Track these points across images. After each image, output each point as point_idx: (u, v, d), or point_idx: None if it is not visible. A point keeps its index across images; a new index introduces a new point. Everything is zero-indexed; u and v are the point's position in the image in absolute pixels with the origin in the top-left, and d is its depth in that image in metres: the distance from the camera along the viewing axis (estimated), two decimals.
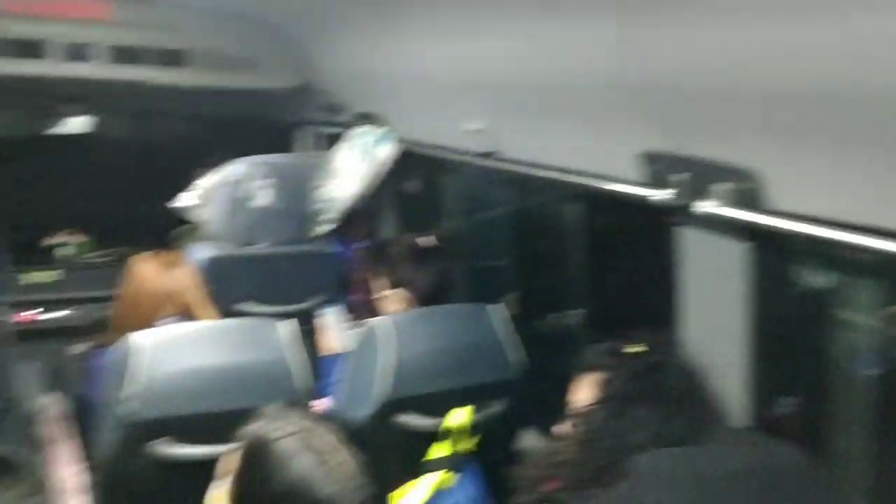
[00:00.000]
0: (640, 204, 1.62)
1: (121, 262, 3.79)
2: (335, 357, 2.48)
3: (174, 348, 1.75)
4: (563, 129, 1.89)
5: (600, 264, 2.24)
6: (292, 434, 1.18)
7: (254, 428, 1.24)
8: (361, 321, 2.61)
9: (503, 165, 2.13)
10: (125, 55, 2.88)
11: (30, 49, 2.75)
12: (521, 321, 2.13)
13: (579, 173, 1.82)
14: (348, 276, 3.11)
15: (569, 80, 1.76)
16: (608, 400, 1.50)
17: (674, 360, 1.56)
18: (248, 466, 1.19)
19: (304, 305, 2.78)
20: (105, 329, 3.46)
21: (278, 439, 1.17)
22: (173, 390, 1.69)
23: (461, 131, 2.23)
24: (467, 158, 2.31)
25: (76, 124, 3.70)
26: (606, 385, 1.52)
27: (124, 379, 1.68)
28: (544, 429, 2.15)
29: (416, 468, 1.85)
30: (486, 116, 2.15)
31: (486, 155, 2.18)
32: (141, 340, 1.72)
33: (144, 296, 2.18)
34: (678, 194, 1.52)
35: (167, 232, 3.58)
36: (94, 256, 3.82)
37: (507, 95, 2.07)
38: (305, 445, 1.16)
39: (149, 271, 2.21)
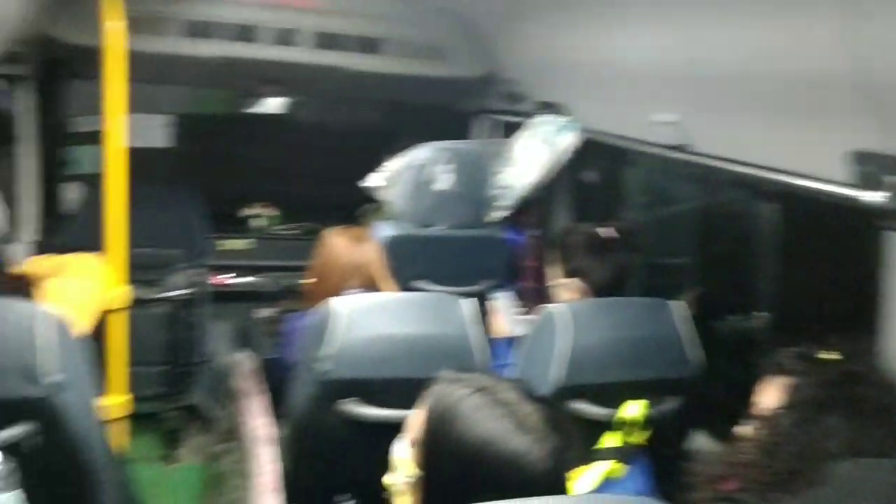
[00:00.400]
0: (845, 205, 1.55)
1: (306, 235, 4.08)
2: (504, 340, 2.53)
3: (368, 316, 1.86)
4: (764, 125, 1.83)
5: (793, 267, 2.15)
6: (478, 390, 1.18)
7: (439, 387, 1.23)
8: (532, 307, 2.66)
9: (695, 159, 2.09)
10: (327, 41, 3.07)
11: (244, 33, 3.00)
12: (701, 320, 2.08)
13: (780, 171, 1.75)
14: (519, 263, 3.16)
15: (774, 73, 1.71)
16: (797, 405, 1.46)
17: (873, 370, 1.48)
18: (436, 424, 1.20)
19: (475, 288, 2.86)
20: (289, 296, 3.72)
21: (466, 396, 1.18)
22: (365, 354, 1.81)
23: (649, 122, 2.20)
24: (655, 150, 2.28)
25: (274, 105, 3.98)
26: (796, 390, 1.48)
27: (322, 340, 1.81)
28: (717, 430, 2.10)
29: (586, 455, 1.86)
30: (677, 108, 2.12)
31: (676, 148, 2.15)
32: (339, 306, 1.84)
33: (334, 267, 2.32)
34: (893, 197, 1.44)
35: (351, 210, 3.80)
36: (283, 229, 4.10)
37: (701, 87, 2.02)
38: (492, 400, 1.17)
39: (339, 245, 2.35)
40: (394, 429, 1.37)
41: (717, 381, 2.07)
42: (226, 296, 3.73)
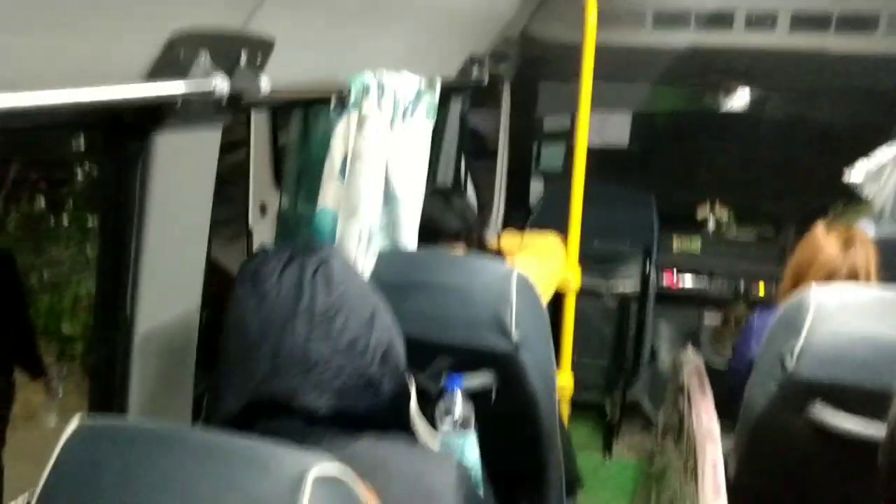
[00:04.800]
0: None
1: (762, 240, 3.80)
2: None
3: (854, 312, 1.59)
4: None
5: None
6: None
7: None
8: None
9: None
10: (809, 23, 2.78)
11: (714, 20, 2.86)
12: None
13: None
14: None
15: None
16: None
17: None
18: None
19: None
20: (739, 302, 3.49)
21: None
22: (845, 355, 1.55)
23: None
24: None
25: (737, 100, 3.77)
26: None
27: (793, 334, 1.60)
28: None
29: None
30: None
31: None
32: (820, 296, 1.62)
33: (820, 267, 2.05)
34: None
35: (815, 212, 3.41)
36: (737, 231, 3.87)
37: None
38: None
39: (830, 244, 2.08)
40: (867, 447, 1.15)
41: None
42: (673, 296, 3.65)
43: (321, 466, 0.80)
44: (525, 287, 1.66)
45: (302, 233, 1.81)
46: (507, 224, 3.64)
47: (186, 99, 1.06)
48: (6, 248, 2.81)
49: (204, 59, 1.09)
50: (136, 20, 0.96)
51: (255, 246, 2.46)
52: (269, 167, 2.47)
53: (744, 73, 3.23)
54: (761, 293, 3.49)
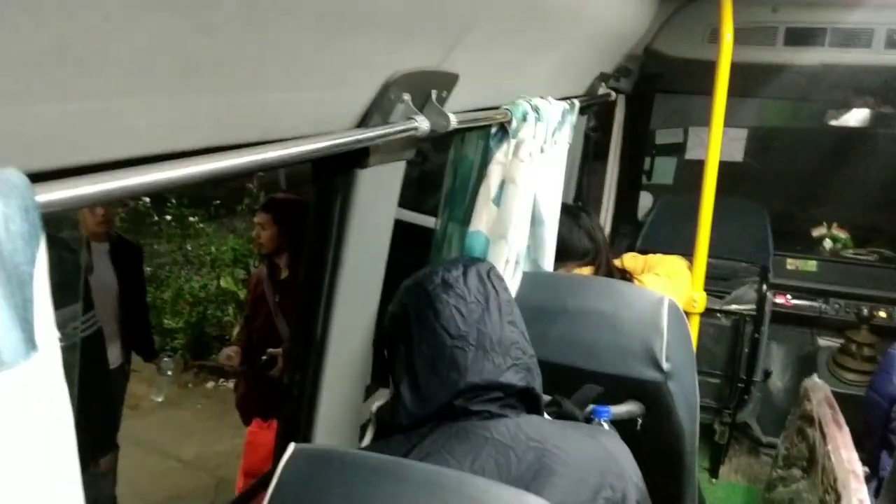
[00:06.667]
0: None
1: (881, 262, 3.67)
2: None
3: None
4: None
5: None
6: None
7: None
8: None
9: None
10: None
11: (847, 38, 2.78)
12: None
13: None
14: None
15: None
16: None
17: None
18: None
19: None
20: (857, 326, 3.37)
21: None
22: None
23: None
24: None
25: (859, 118, 3.65)
26: None
27: None
28: None
29: None
30: None
31: None
32: None
33: None
34: None
35: None
36: (854, 253, 3.75)
37: None
38: None
39: None
40: None
41: None
42: (786, 317, 3.55)
43: None
44: (676, 316, 1.65)
45: (452, 250, 1.84)
46: (614, 238, 3.61)
47: (391, 138, 1.09)
48: (136, 241, 2.99)
49: (407, 98, 1.13)
50: (360, 69, 1.00)
51: None
52: None
53: (869, 91, 3.13)
54: (885, 317, 3.37)
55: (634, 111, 3.45)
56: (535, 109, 1.70)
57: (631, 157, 3.58)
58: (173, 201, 6.93)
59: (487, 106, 1.65)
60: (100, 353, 2.52)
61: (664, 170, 3.95)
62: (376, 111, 1.07)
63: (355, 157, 1.12)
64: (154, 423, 4.91)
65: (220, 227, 7.15)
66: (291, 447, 0.99)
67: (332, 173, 1.14)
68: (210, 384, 5.59)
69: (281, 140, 0.88)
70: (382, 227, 1.32)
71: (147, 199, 6.96)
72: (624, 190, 3.65)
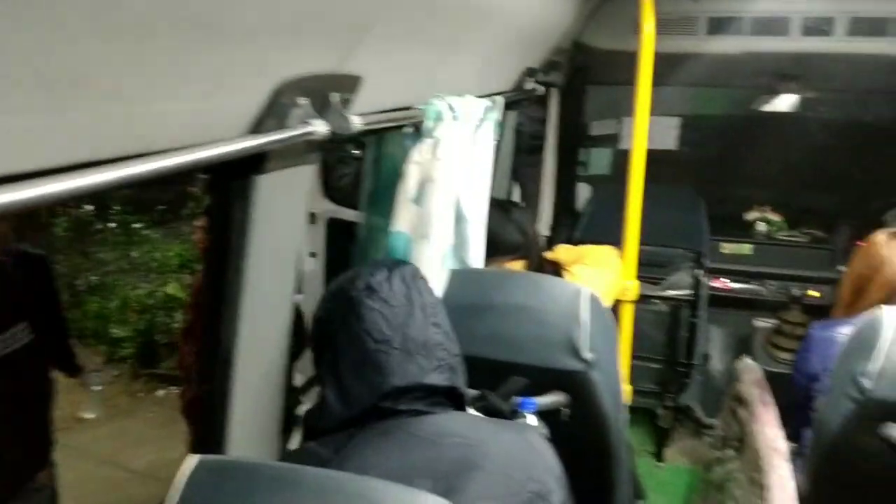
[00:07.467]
0: None
1: (812, 244, 3.77)
2: None
3: None
4: None
5: None
6: None
7: None
8: None
9: None
10: (867, 27, 2.75)
11: (770, 26, 2.85)
12: None
13: None
14: None
15: None
16: None
17: None
18: None
19: None
20: (790, 307, 3.46)
21: None
22: None
23: None
24: None
25: (786, 103, 3.74)
26: None
27: (865, 354, 1.60)
28: None
29: None
30: None
31: None
32: (892, 317, 1.62)
33: (880, 281, 2.01)
34: None
35: (868, 217, 3.38)
36: (787, 235, 3.85)
37: None
38: None
39: (889, 254, 2.03)
40: None
41: None
42: (723, 300, 3.64)
43: None
44: (596, 306, 1.68)
45: (377, 250, 1.85)
46: (554, 230, 3.65)
47: (288, 143, 1.09)
48: (39, 252, 2.78)
49: (303, 103, 1.13)
50: (247, 76, 1.00)
51: (306, 249, 2.55)
52: (317, 179, 2.57)
53: (795, 77, 3.21)
54: (818, 297, 3.47)
55: (569, 104, 3.48)
56: (452, 108, 1.71)
57: (567, 149, 3.61)
58: (117, 208, 6.82)
59: (404, 106, 1.66)
60: (23, 370, 2.43)
61: (600, 161, 4.00)
62: (269, 117, 1.07)
63: (252, 164, 1.12)
64: (104, 434, 4.85)
65: (167, 232, 7.06)
66: (194, 459, 0.98)
67: (229, 181, 1.14)
68: (161, 392, 5.52)
69: (163, 151, 0.88)
70: (291, 231, 1.32)
71: (90, 207, 6.84)
72: (562, 182, 3.68)
